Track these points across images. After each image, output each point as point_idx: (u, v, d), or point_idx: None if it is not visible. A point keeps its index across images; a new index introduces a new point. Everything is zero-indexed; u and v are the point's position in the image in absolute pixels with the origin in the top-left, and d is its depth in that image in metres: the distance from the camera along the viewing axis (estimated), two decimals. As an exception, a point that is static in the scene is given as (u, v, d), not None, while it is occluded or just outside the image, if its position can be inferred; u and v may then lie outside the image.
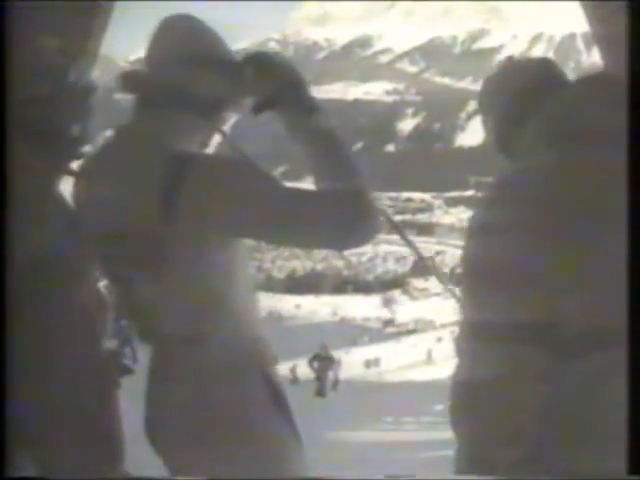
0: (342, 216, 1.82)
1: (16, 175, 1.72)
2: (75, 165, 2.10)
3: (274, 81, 1.99)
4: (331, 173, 1.91)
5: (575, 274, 1.46)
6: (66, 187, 2.09)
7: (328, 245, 1.99)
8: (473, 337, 1.52)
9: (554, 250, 1.46)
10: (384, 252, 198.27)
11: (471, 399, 1.54)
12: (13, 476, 1.64)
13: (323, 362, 23.59)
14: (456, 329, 1.57)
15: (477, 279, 1.51)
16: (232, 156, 2.05)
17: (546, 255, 1.46)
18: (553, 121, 1.72)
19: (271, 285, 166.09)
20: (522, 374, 1.43)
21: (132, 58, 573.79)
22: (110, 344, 2.22)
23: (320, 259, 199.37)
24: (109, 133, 2.05)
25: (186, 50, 2.00)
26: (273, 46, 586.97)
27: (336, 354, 35.94)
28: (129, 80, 2.06)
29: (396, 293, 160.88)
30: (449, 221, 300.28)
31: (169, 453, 2.07)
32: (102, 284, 2.16)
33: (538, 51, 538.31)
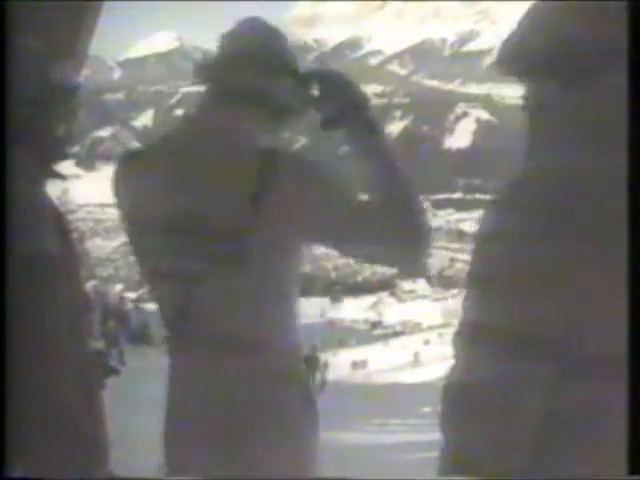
0: (406, 232, 1.88)
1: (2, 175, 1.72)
2: (61, 166, 2.09)
3: (340, 101, 2.04)
4: (390, 190, 1.94)
5: (593, 291, 1.37)
6: (52, 188, 2.08)
7: (390, 259, 2.05)
8: (476, 340, 1.47)
9: (574, 261, 1.37)
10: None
11: (466, 402, 1.49)
12: (13, 476, 1.64)
13: (311, 364, 23.62)
14: (456, 329, 1.53)
15: (490, 283, 1.43)
16: (317, 158, 2.05)
17: (566, 266, 1.37)
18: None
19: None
20: (525, 384, 1.40)
21: (121, 58, 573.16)
22: (97, 345, 2.21)
23: (310, 260, 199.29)
24: (174, 123, 2.08)
25: (263, 54, 2.02)
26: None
27: (323, 356, 35.96)
28: (206, 70, 2.06)
29: (384, 295, 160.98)
30: (437, 223, 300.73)
31: (201, 461, 2.04)
32: (88, 284, 2.14)
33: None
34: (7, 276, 1.68)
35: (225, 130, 1.99)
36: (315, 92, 2.08)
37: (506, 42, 1.70)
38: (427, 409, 18.37)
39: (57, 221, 1.96)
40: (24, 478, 1.71)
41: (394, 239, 1.90)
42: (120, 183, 2.12)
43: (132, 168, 2.10)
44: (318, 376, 24.44)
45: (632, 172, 1.43)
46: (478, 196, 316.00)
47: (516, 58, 1.70)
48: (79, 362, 1.93)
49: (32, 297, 1.76)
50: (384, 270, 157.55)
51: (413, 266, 1.98)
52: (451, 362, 1.49)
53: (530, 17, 1.62)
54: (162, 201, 1.98)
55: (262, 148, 1.93)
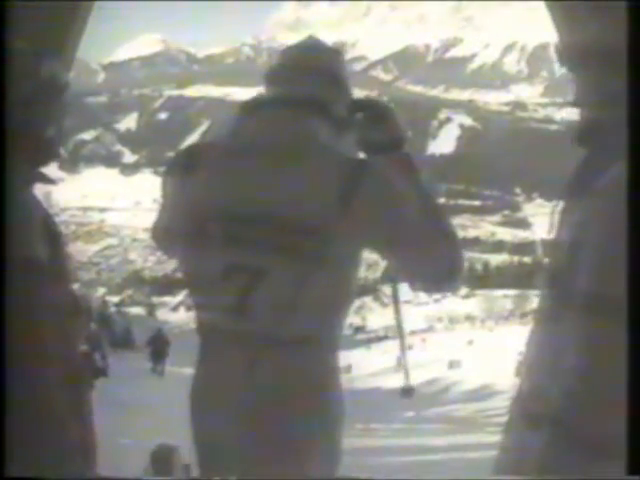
0: (448, 256, 2.06)
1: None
2: (45, 169, 2.09)
3: (382, 133, 2.16)
4: (427, 218, 2.05)
5: None
6: (40, 190, 2.08)
7: (428, 279, 2.11)
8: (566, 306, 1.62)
9: None
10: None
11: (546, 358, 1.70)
12: (13, 476, 1.64)
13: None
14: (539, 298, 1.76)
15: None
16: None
17: None
18: None
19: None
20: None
21: (105, 62, 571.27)
22: (82, 348, 2.22)
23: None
24: (236, 120, 2.14)
25: (326, 69, 2.12)
26: (247, 51, 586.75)
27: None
28: (276, 77, 2.15)
29: (367, 300, 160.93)
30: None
31: (239, 464, 2.05)
32: (76, 287, 2.14)
33: (511, 60, 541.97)
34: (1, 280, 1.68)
35: (301, 132, 2.04)
36: (360, 119, 2.21)
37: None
38: (410, 414, 18.42)
39: (46, 224, 1.97)
40: (24, 478, 1.71)
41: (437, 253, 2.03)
42: (183, 175, 2.14)
43: (198, 160, 2.13)
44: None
45: (632, 171, 1.49)
46: (461, 201, 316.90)
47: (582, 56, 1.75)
48: (67, 365, 1.94)
49: (20, 299, 1.83)
50: (367, 274, 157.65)
51: (449, 290, 2.14)
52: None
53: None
54: (231, 192, 2.02)
55: (354, 157, 2.09)
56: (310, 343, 2.00)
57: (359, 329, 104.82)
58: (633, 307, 1.43)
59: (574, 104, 1.82)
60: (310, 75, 2.09)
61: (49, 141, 2.03)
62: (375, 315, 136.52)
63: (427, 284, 2.19)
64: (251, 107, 2.16)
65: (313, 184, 1.94)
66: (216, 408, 2.06)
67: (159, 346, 29.49)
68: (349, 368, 46.13)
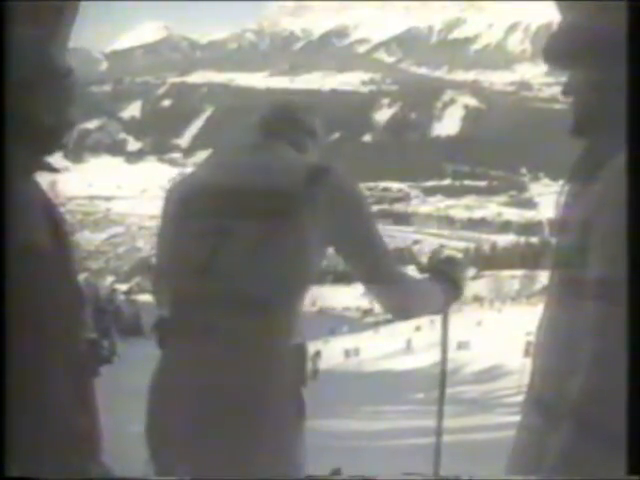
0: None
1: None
2: (50, 158, 2.07)
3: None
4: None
5: None
6: (45, 179, 2.07)
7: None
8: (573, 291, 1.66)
9: None
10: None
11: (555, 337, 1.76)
12: (13, 476, 1.64)
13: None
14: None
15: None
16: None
17: None
18: None
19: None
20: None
21: (107, 50, 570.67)
22: (89, 336, 2.20)
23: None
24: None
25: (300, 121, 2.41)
26: (249, 37, 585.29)
27: (316, 345, 35.96)
28: (269, 124, 2.36)
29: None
30: (426, 210, 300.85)
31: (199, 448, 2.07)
32: (81, 277, 2.14)
33: (515, 40, 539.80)
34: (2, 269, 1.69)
35: (277, 151, 2.27)
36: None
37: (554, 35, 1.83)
38: (419, 395, 18.42)
39: (49, 213, 1.94)
40: (23, 478, 1.71)
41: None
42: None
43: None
44: (310, 365, 24.45)
45: (632, 172, 1.50)
46: (467, 182, 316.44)
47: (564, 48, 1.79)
48: (71, 354, 1.93)
49: (22, 289, 1.81)
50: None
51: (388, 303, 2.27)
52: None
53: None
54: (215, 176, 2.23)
55: (309, 162, 2.26)
56: (267, 308, 2.08)
57: (367, 312, 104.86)
58: (633, 305, 1.43)
59: (567, 94, 1.83)
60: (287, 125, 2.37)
61: (50, 129, 2.00)
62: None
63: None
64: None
65: (284, 168, 2.17)
66: (172, 392, 2.13)
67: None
68: (357, 351, 46.18)
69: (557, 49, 1.82)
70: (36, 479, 1.73)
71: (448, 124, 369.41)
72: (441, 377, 2.99)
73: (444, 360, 2.97)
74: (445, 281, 2.45)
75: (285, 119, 2.38)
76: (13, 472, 1.65)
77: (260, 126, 2.36)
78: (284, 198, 2.08)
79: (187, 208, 2.22)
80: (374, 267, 2.16)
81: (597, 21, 1.75)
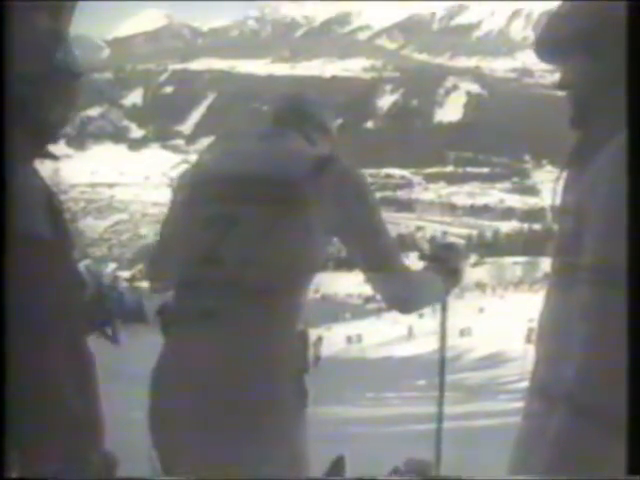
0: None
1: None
2: (52, 146, 2.07)
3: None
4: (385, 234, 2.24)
5: None
6: (43, 168, 2.07)
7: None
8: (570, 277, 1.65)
9: None
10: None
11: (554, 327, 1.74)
12: (13, 476, 1.62)
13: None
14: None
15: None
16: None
17: None
18: None
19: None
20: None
21: (109, 37, 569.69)
22: (91, 323, 2.21)
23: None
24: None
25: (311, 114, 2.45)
26: (251, 24, 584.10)
27: (318, 331, 35.98)
28: (284, 118, 2.41)
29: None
30: (429, 197, 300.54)
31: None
32: (81, 264, 2.14)
33: (517, 26, 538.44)
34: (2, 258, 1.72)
35: (285, 141, 2.29)
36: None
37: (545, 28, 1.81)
38: (421, 382, 18.47)
39: (48, 201, 1.94)
40: (23, 478, 1.80)
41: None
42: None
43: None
44: (312, 351, 24.50)
45: (632, 171, 1.49)
46: (469, 169, 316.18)
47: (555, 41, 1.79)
48: (70, 341, 1.92)
49: (24, 278, 1.80)
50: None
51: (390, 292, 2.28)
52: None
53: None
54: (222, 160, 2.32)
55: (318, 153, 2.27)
56: (272, 295, 2.09)
57: (369, 299, 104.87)
58: (633, 305, 1.44)
59: (563, 88, 1.84)
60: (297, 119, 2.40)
61: (52, 125, 2.01)
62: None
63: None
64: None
65: (290, 156, 2.20)
66: (175, 379, 2.13)
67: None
68: (360, 337, 46.32)
69: (549, 41, 1.81)
70: (36, 479, 1.83)
71: (450, 111, 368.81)
72: (440, 364, 3.00)
73: (443, 347, 2.98)
74: (444, 268, 2.48)
75: (296, 112, 2.41)
76: (13, 472, 1.76)
77: (271, 117, 2.40)
78: (290, 186, 2.10)
79: (194, 195, 2.25)
80: (377, 256, 2.17)
81: (590, 9, 1.72)
